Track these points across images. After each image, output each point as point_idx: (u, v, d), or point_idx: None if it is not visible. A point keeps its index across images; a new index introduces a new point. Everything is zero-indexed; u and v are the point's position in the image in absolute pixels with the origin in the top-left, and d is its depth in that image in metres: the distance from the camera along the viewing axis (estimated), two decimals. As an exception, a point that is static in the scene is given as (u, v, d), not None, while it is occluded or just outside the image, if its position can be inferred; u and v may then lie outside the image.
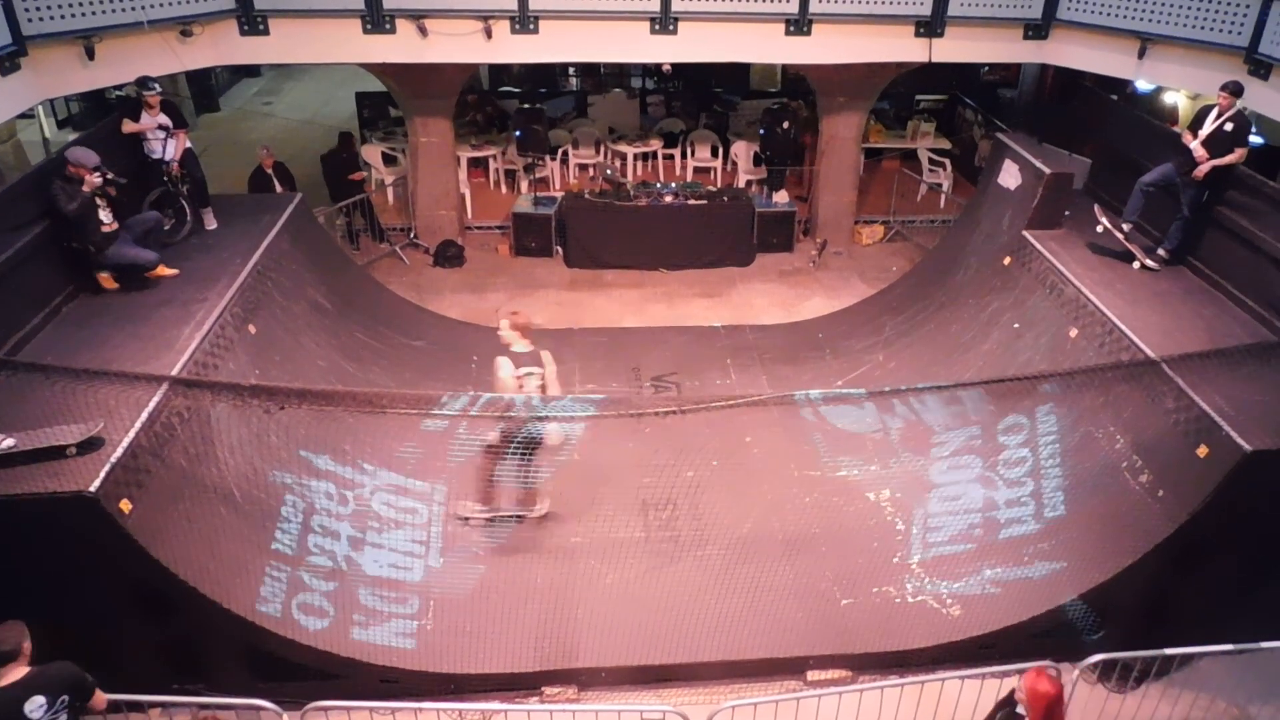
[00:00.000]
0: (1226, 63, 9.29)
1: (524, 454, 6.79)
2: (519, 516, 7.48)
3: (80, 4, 8.47)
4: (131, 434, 5.66)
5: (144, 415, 5.84)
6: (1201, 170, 7.82)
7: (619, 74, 17.55)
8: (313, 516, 6.98)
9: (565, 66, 17.13)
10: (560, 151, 14.32)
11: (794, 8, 10.44)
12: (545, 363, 7.01)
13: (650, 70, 16.95)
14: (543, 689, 6.36)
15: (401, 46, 10.28)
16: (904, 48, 10.92)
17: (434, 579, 6.98)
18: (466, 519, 7.46)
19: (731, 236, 12.34)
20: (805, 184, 13.60)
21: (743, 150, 14.20)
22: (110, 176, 7.29)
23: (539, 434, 6.71)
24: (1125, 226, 8.41)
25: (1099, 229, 8.50)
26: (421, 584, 6.92)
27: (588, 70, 17.35)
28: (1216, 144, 7.78)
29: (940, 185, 14.02)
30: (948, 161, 14.31)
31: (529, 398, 6.74)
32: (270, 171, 11.13)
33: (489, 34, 10.22)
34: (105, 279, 7.50)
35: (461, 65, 11.32)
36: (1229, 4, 9.22)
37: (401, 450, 7.71)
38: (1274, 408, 6.21)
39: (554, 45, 10.51)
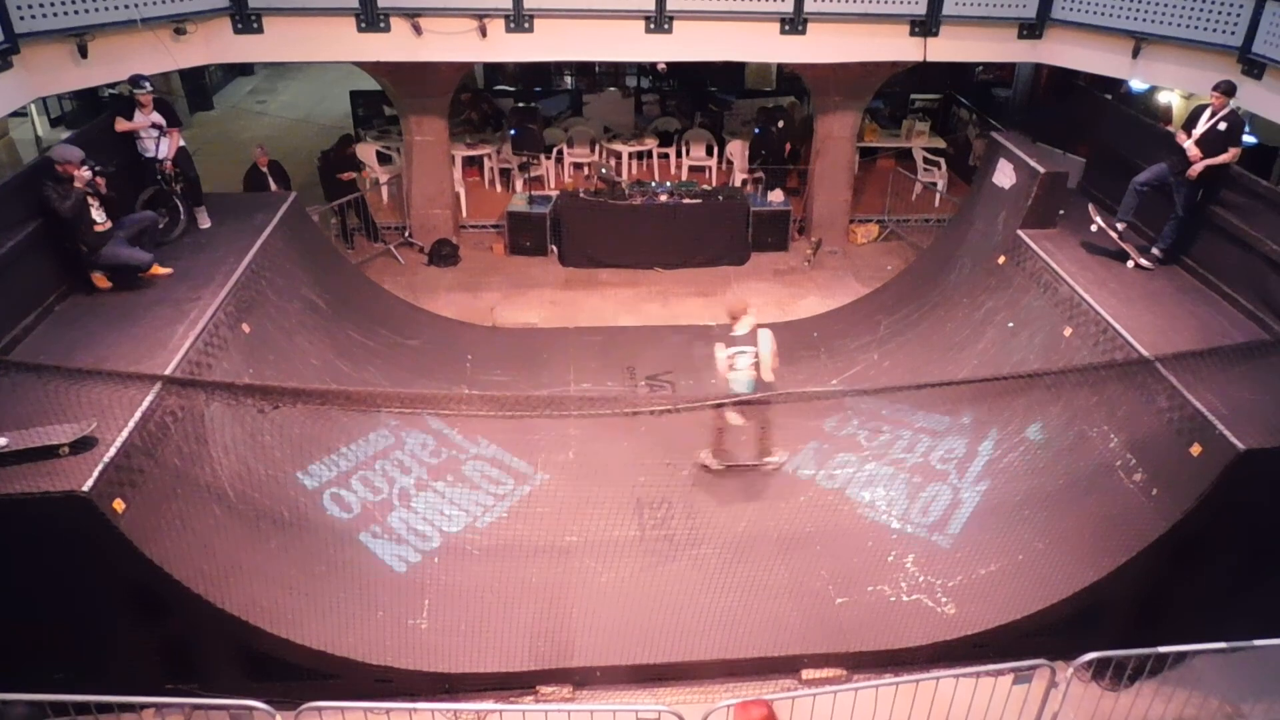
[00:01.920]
0: (1220, 62, 9.32)
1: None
2: (753, 466, 8.07)
3: (73, 2, 8.43)
4: (125, 433, 5.65)
5: (137, 415, 5.83)
6: (1195, 170, 7.84)
7: (614, 73, 17.55)
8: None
9: (560, 65, 17.12)
10: (555, 150, 14.30)
11: (789, 7, 10.44)
12: (760, 341, 7.57)
13: (645, 69, 16.95)
14: (538, 688, 6.36)
15: (396, 45, 10.26)
16: (899, 47, 10.93)
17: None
18: (707, 467, 8.05)
19: (726, 235, 12.33)
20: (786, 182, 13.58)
21: (738, 149, 14.20)
22: (98, 168, 7.27)
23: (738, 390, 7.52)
24: (1119, 226, 8.42)
25: (1093, 228, 8.51)
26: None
27: (583, 69, 17.34)
28: (1210, 143, 7.79)
29: (935, 184, 14.03)
30: (942, 161, 14.33)
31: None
32: (265, 170, 11.10)
33: (484, 32, 10.20)
34: (99, 278, 7.48)
35: (456, 64, 11.31)
36: (1223, 4, 9.25)
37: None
38: (1267, 406, 6.24)
39: (549, 44, 10.50)
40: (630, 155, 14.55)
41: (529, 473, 8.07)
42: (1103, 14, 10.31)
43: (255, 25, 9.93)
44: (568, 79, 17.41)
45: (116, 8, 8.75)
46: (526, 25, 10.26)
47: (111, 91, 12.41)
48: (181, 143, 8.73)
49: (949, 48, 10.98)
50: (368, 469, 7.62)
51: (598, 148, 14.74)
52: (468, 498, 7.66)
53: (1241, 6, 9.09)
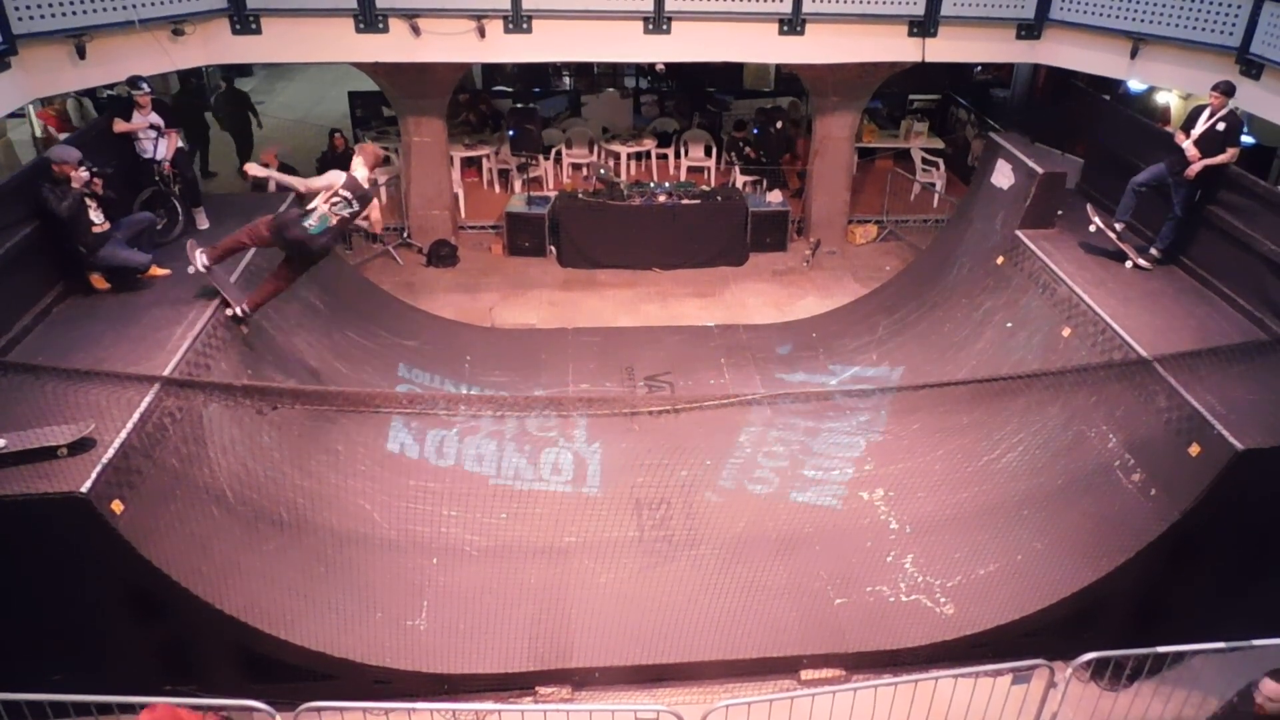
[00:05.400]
0: (1218, 63, 9.33)
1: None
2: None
3: (71, 3, 8.43)
4: (123, 435, 5.64)
5: (135, 416, 5.82)
6: (1193, 170, 7.84)
7: (612, 73, 17.54)
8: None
9: (559, 66, 17.11)
10: (554, 151, 14.31)
11: (787, 7, 10.45)
12: (371, 206, 7.39)
13: (644, 70, 16.95)
14: (536, 689, 6.36)
15: (394, 46, 10.26)
16: (897, 47, 10.94)
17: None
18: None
19: (725, 236, 12.33)
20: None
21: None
22: (96, 170, 7.26)
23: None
24: (1118, 226, 8.43)
25: (1091, 229, 8.52)
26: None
27: (581, 70, 17.33)
28: (1208, 144, 7.80)
29: (933, 185, 14.04)
30: (941, 161, 14.34)
31: None
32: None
33: (482, 33, 10.20)
34: (97, 279, 7.46)
35: (455, 65, 11.30)
36: (1221, 4, 9.26)
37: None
38: (1266, 406, 6.24)
39: (547, 45, 10.50)
40: (629, 156, 14.55)
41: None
42: (1101, 14, 10.33)
43: (253, 26, 9.93)
44: (566, 79, 17.39)
45: (115, 9, 8.74)
46: (525, 26, 10.26)
47: (109, 92, 12.42)
48: (180, 143, 8.74)
49: (947, 48, 10.99)
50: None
51: (596, 148, 14.74)
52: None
53: (1240, 7, 9.11)
